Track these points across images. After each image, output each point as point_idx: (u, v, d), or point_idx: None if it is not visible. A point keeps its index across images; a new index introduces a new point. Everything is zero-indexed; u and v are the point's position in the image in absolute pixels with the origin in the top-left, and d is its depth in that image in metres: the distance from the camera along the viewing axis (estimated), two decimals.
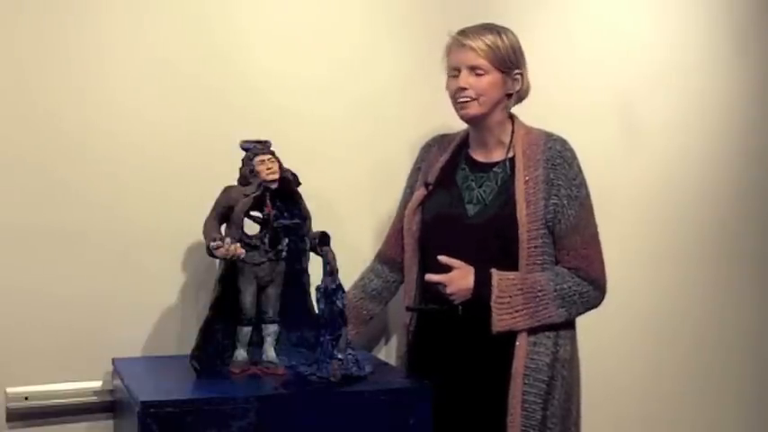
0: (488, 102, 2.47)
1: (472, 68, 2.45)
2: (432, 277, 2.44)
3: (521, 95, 2.54)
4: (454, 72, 2.49)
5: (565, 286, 2.44)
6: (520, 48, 2.51)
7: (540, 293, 2.42)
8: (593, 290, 2.47)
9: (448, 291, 2.42)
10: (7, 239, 2.48)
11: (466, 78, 2.46)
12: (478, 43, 2.45)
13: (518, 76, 2.50)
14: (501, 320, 2.40)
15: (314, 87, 2.80)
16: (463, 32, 2.49)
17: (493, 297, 2.40)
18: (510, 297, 2.40)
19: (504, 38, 2.48)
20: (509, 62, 2.48)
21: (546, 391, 2.42)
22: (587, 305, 2.48)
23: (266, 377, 2.32)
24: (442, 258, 2.44)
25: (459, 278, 2.42)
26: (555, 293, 2.43)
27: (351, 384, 2.29)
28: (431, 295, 2.50)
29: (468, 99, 2.46)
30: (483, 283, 2.41)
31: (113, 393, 2.53)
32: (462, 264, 2.43)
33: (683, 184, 3.42)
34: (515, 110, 2.57)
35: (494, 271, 2.41)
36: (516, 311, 2.41)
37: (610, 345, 3.21)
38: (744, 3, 3.53)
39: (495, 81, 2.47)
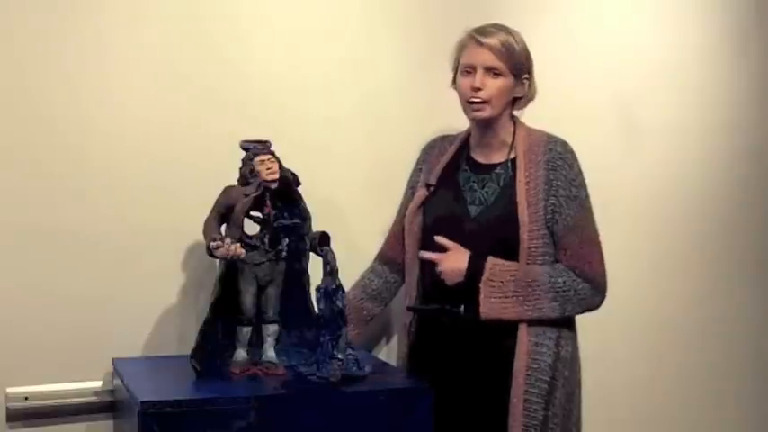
0: (499, 105, 2.47)
1: (489, 69, 2.45)
2: (425, 254, 2.45)
3: (527, 100, 2.54)
4: (468, 70, 2.48)
5: (560, 280, 2.43)
6: (529, 52, 2.51)
7: (533, 283, 2.41)
8: (589, 288, 2.46)
9: (440, 268, 2.43)
10: (7, 239, 2.48)
11: (482, 79, 2.45)
12: (497, 44, 2.44)
13: (526, 81, 2.51)
14: (489, 304, 2.39)
15: (314, 87, 2.80)
16: (482, 31, 2.47)
17: (483, 279, 2.40)
18: (501, 282, 2.40)
19: (519, 41, 2.48)
20: (521, 66, 2.48)
21: (548, 391, 2.42)
22: (583, 303, 2.47)
23: (266, 377, 2.32)
24: (439, 239, 2.44)
25: (453, 258, 2.43)
26: (549, 285, 2.42)
27: (351, 384, 2.29)
28: (432, 295, 2.50)
29: (481, 101, 2.45)
30: (476, 265, 2.41)
31: (113, 393, 2.53)
32: (459, 246, 2.44)
33: (682, 183, 3.41)
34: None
35: (490, 257, 2.42)
36: (506, 297, 2.40)
37: (610, 345, 3.21)
38: (743, 3, 3.52)
39: (507, 85, 2.47)
